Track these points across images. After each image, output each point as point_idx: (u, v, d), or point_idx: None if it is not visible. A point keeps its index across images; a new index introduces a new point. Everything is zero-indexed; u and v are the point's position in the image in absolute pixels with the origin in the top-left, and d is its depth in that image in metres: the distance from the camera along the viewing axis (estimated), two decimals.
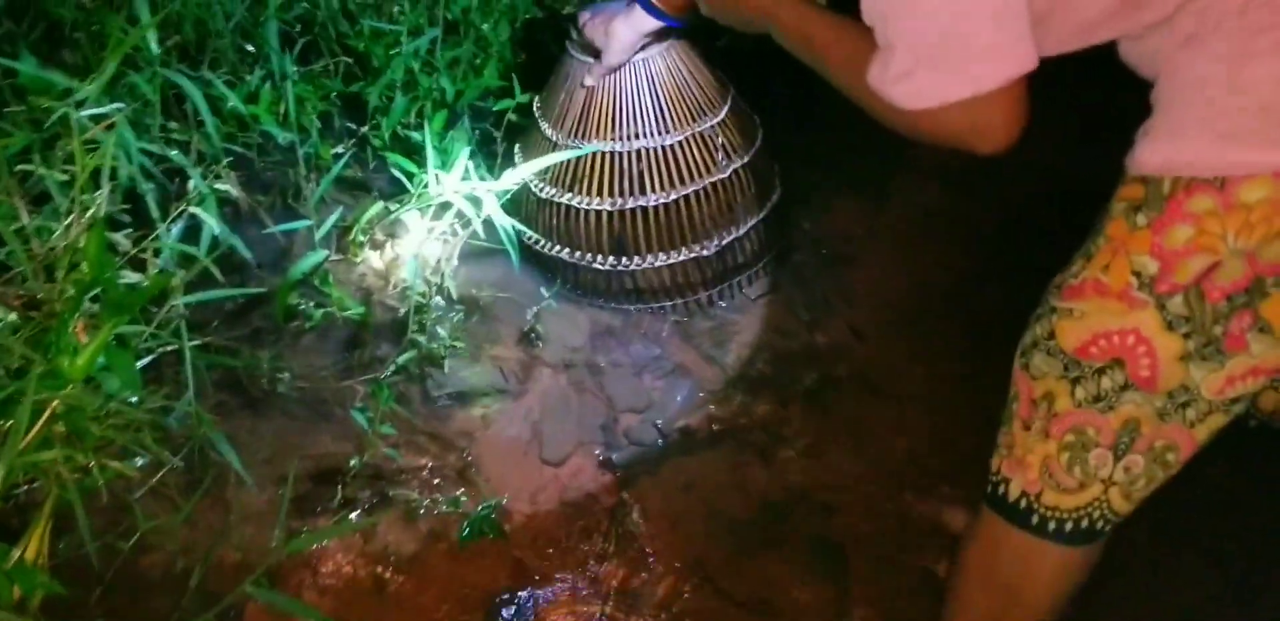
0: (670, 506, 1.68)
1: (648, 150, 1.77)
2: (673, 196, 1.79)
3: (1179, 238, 0.99)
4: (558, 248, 1.89)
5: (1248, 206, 0.96)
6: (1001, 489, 1.20)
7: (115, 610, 1.47)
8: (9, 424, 1.28)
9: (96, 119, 1.63)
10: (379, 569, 1.57)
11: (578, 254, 1.87)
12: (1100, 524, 1.15)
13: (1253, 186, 0.96)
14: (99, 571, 1.46)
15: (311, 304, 1.76)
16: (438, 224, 1.80)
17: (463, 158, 1.78)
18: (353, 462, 1.60)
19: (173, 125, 1.84)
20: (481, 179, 1.86)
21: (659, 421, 1.78)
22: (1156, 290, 1.02)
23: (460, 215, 1.78)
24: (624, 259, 1.86)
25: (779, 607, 1.58)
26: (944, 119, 1.04)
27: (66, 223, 1.58)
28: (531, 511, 1.64)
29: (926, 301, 1.98)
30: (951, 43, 1.00)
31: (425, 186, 1.80)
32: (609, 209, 1.80)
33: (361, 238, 1.85)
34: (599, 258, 1.86)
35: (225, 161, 1.75)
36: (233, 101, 1.83)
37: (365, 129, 2.01)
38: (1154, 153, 1.01)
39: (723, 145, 1.83)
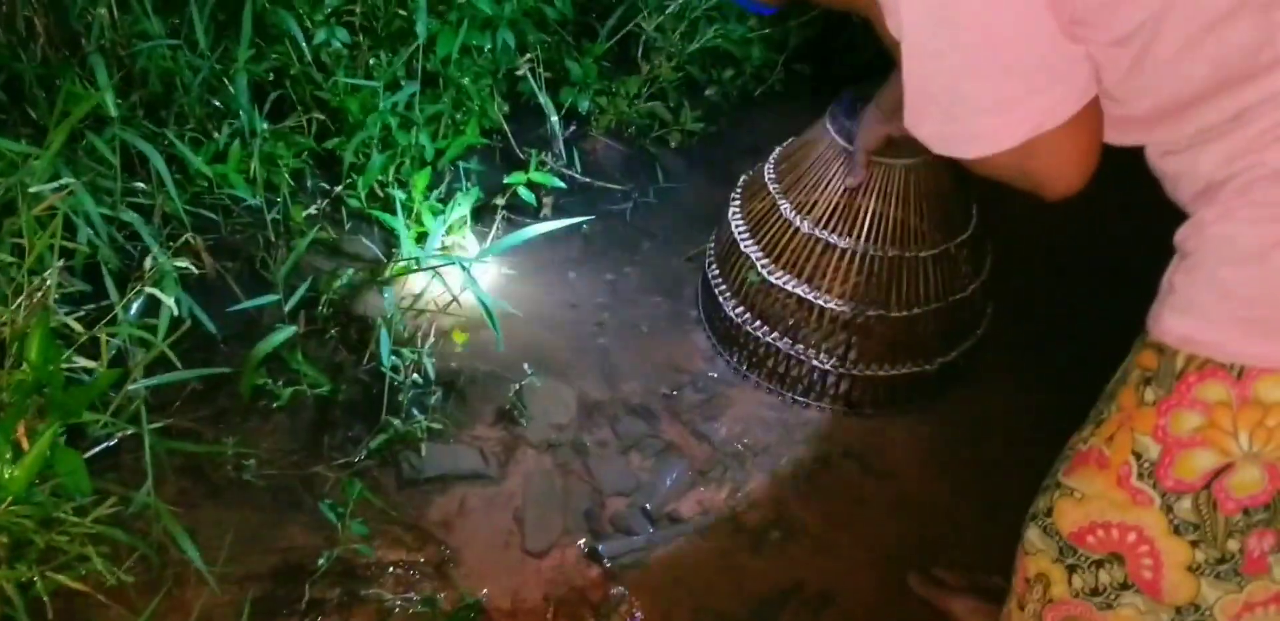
0: (659, 601, 1.58)
1: (900, 259, 1.68)
2: (916, 310, 1.71)
3: (1185, 426, 0.88)
4: (775, 335, 1.79)
5: (1264, 405, 0.85)
6: None
7: None
8: None
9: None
10: None
11: (799, 348, 1.78)
12: None
13: (1273, 383, 0.84)
14: None
15: (280, 381, 1.66)
16: (413, 295, 1.71)
17: (440, 227, 1.69)
18: (321, 561, 1.50)
19: (137, 185, 1.74)
20: (464, 247, 1.77)
21: (647, 505, 1.69)
22: (1161, 484, 0.91)
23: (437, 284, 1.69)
24: (847, 363, 1.77)
25: None
26: (995, 166, 0.95)
27: (16, 303, 1.49)
28: (512, 608, 1.55)
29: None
30: (956, 96, 0.90)
31: (400, 255, 1.71)
32: (848, 312, 1.71)
33: (331, 310, 1.75)
34: (821, 356, 1.78)
35: (188, 233, 1.65)
36: (197, 165, 1.73)
37: (340, 188, 1.91)
38: (1175, 323, 0.89)
39: (966, 264, 1.76)
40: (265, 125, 1.83)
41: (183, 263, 1.65)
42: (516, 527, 1.64)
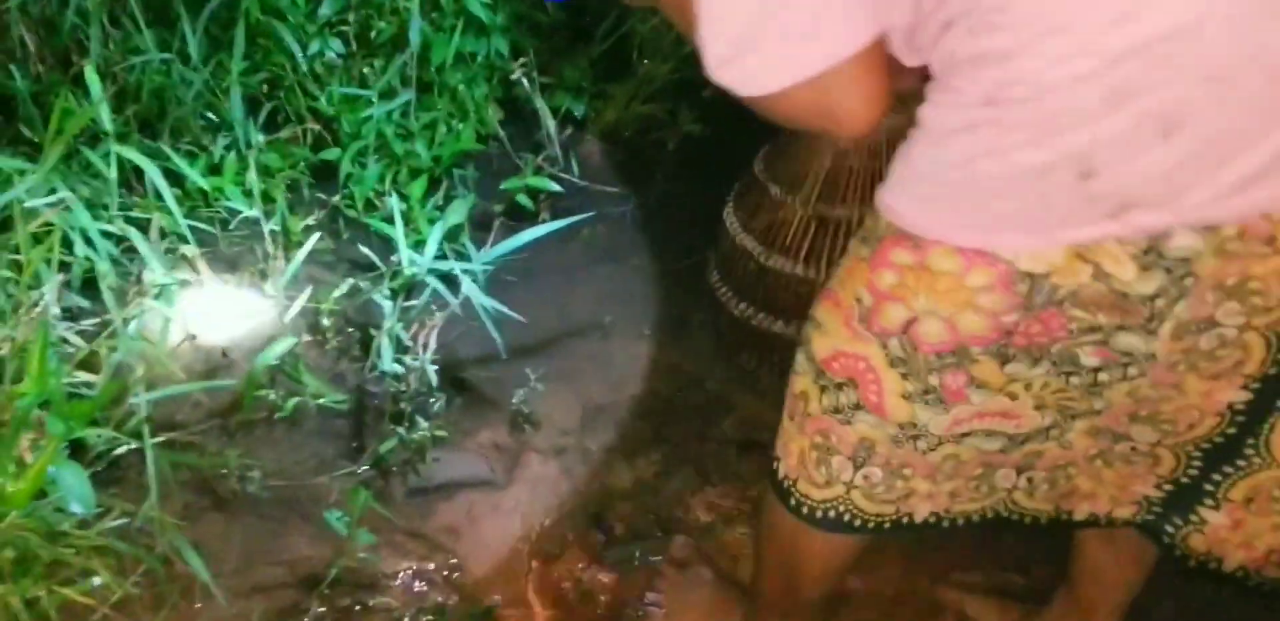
0: (670, 604, 1.57)
1: None
2: None
3: (885, 282, 0.98)
4: (780, 323, 1.78)
5: (933, 273, 0.93)
6: (776, 465, 1.20)
7: None
8: None
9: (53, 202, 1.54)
10: None
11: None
12: (849, 517, 1.14)
13: (940, 255, 0.92)
14: None
15: (282, 392, 1.65)
16: (414, 302, 1.71)
17: (437, 234, 1.69)
18: (329, 571, 1.49)
19: (134, 200, 1.74)
20: (462, 254, 1.76)
21: (656, 508, 1.68)
22: (871, 328, 1.00)
23: (437, 292, 1.68)
24: None
25: None
26: (792, 102, 0.92)
27: (15, 319, 1.49)
28: (522, 615, 1.54)
29: None
30: (766, 23, 0.88)
31: (399, 264, 1.70)
32: None
33: (331, 319, 1.74)
34: None
35: (187, 246, 1.65)
36: (194, 178, 1.73)
37: (337, 198, 1.91)
38: (881, 192, 0.98)
39: None
40: (261, 137, 1.83)
41: (182, 275, 1.66)
42: (525, 533, 1.63)
